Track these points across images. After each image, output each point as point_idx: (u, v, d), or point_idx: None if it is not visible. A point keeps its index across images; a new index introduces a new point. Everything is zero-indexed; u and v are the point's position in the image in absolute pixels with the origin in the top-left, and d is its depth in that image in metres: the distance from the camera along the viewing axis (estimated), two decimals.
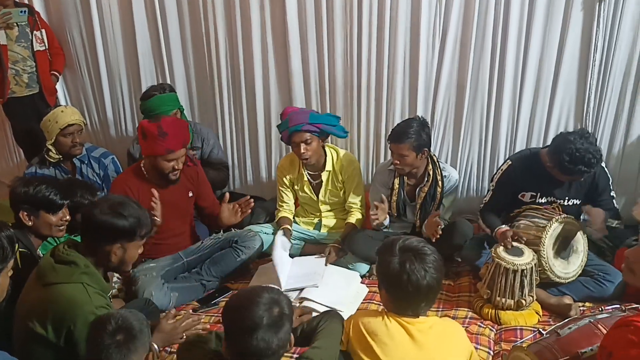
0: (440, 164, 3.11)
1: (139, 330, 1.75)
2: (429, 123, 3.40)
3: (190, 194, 3.12)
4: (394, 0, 3.25)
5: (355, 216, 3.30)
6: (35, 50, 3.61)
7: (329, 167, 3.27)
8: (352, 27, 3.35)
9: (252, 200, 3.06)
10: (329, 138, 3.33)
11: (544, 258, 2.64)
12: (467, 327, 2.55)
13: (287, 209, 3.38)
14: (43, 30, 3.65)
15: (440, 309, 2.75)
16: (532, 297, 2.64)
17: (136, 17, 3.63)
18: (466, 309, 2.75)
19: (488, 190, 3.02)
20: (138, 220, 2.05)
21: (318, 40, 3.43)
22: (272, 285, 2.76)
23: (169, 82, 3.69)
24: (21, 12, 3.48)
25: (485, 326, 2.60)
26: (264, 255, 3.26)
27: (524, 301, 2.61)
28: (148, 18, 3.65)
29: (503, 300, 2.63)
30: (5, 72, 3.54)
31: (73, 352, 1.90)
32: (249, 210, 3.09)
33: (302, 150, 3.12)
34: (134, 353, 1.72)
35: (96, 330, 1.72)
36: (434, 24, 3.26)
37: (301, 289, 2.85)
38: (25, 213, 2.40)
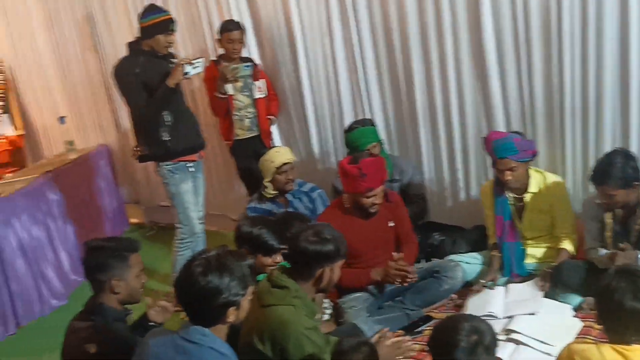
0: None
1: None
2: None
3: (391, 224, 3.24)
4: (598, 14, 3.03)
5: (567, 242, 3.12)
6: (255, 98, 4.05)
7: (532, 189, 3.16)
8: (551, 47, 3.21)
9: (413, 277, 2.99)
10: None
11: None
12: None
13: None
14: (262, 80, 4.08)
15: None
16: None
17: (338, 63, 3.92)
18: None
19: None
20: (340, 241, 2.25)
21: (517, 63, 3.35)
22: (489, 312, 2.75)
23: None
24: (246, 66, 3.96)
25: None
26: (468, 286, 3.23)
27: None
28: (349, 64, 3.92)
29: None
30: (232, 118, 4.04)
31: None
32: (407, 281, 3.00)
33: (508, 177, 3.06)
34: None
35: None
36: None
37: (511, 317, 2.79)
38: (247, 251, 2.68)
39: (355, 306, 3.03)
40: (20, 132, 5.93)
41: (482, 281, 3.15)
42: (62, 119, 5.11)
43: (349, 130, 3.66)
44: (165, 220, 4.94)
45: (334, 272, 2.28)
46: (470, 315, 1.89)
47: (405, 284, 3.00)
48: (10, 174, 4.96)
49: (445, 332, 1.74)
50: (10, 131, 5.89)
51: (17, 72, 5.85)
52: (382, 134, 3.86)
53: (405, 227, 3.29)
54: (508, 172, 3.05)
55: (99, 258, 2.30)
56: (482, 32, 3.36)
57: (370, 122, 3.73)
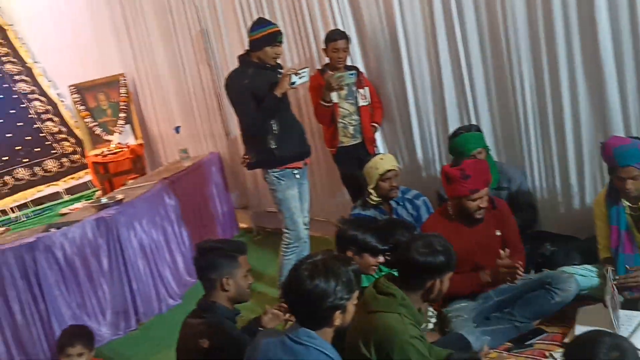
0: None
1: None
2: None
3: (498, 233, 3.14)
4: None
5: None
6: (359, 105, 4.10)
7: None
8: None
9: (520, 269, 2.87)
10: None
11: None
12: None
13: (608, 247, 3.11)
14: (366, 88, 4.13)
15: None
16: None
17: (443, 69, 3.87)
18: None
19: None
20: (450, 253, 2.23)
21: (637, 63, 3.16)
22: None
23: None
24: (350, 74, 4.00)
25: None
26: (581, 299, 3.06)
27: None
28: (454, 69, 3.85)
29: None
30: (336, 126, 4.11)
31: None
32: (516, 278, 2.89)
33: (628, 186, 2.87)
34: None
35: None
36: None
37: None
38: (352, 253, 2.74)
39: (461, 315, 2.97)
40: (140, 141, 6.38)
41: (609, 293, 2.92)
42: (177, 129, 5.43)
43: (454, 135, 3.61)
44: (271, 225, 5.11)
45: (443, 283, 2.27)
46: (610, 332, 1.79)
47: (516, 282, 2.90)
48: (132, 181, 5.34)
49: (584, 347, 1.66)
50: (131, 140, 6.37)
51: (138, 85, 6.31)
52: (489, 141, 3.76)
53: (512, 235, 3.18)
54: (630, 181, 2.85)
55: (210, 258, 2.45)
56: (597, 31, 3.18)
57: (476, 128, 3.66)
